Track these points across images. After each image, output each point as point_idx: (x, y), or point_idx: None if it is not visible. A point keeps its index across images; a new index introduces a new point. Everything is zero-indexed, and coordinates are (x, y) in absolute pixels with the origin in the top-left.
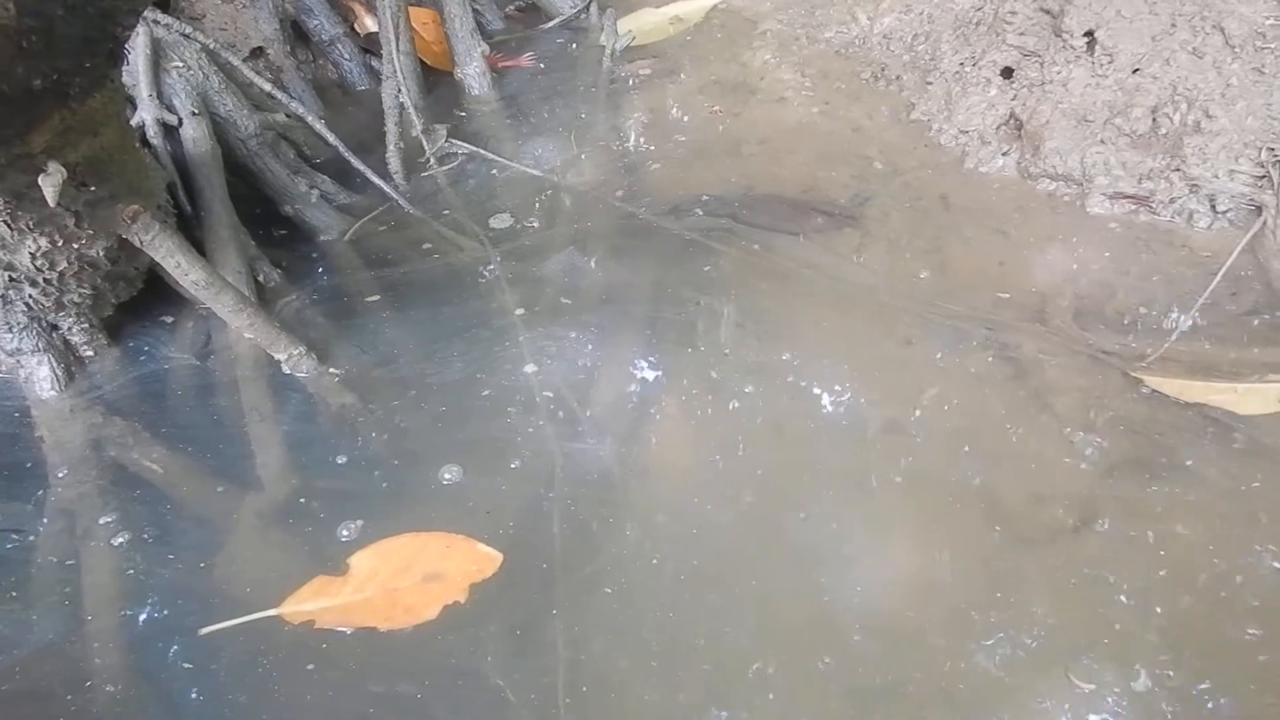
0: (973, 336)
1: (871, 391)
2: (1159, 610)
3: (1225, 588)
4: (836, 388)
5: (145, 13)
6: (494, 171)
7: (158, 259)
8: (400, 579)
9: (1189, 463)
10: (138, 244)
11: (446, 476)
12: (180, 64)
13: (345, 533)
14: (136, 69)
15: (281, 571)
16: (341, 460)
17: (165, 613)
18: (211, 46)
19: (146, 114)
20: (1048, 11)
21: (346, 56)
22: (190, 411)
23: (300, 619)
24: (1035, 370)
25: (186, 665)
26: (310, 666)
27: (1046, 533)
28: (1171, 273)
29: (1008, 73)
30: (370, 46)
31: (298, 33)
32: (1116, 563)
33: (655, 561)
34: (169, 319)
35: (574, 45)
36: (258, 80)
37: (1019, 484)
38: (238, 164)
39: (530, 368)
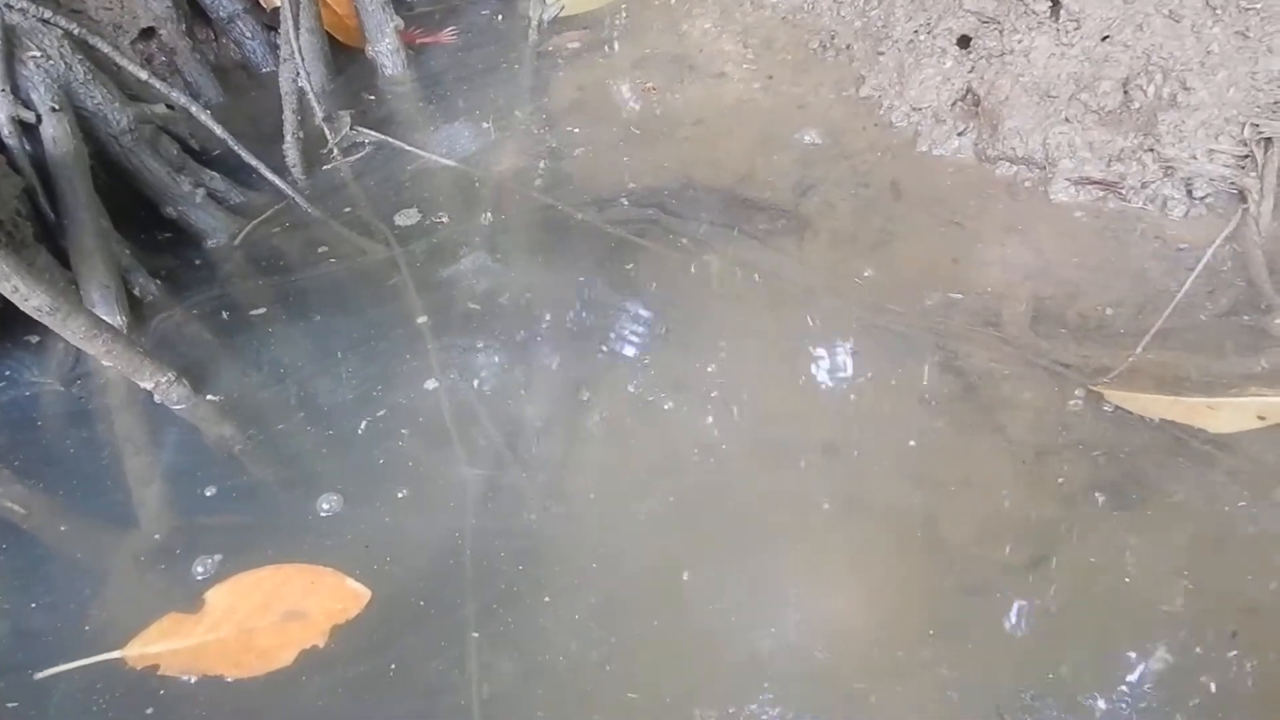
0: (919, 346)
1: (805, 409)
2: (1121, 659)
3: (1196, 630)
4: (767, 405)
5: None
6: (404, 162)
7: None
8: (258, 617)
9: (1156, 489)
10: None
11: (324, 507)
12: (38, 53)
13: (201, 569)
14: None
15: (133, 611)
16: (210, 492)
17: (13, 651)
18: (76, 32)
19: None
20: None
21: (249, 35)
22: (50, 443)
23: (145, 662)
24: (986, 385)
25: (11, 704)
26: (150, 711)
27: (996, 568)
28: (1142, 268)
29: (964, 42)
30: (276, 23)
31: (195, 10)
32: (1073, 602)
33: (548, 599)
34: (34, 339)
35: (500, 17)
36: (132, 67)
37: (965, 514)
38: (111, 163)
39: (431, 384)
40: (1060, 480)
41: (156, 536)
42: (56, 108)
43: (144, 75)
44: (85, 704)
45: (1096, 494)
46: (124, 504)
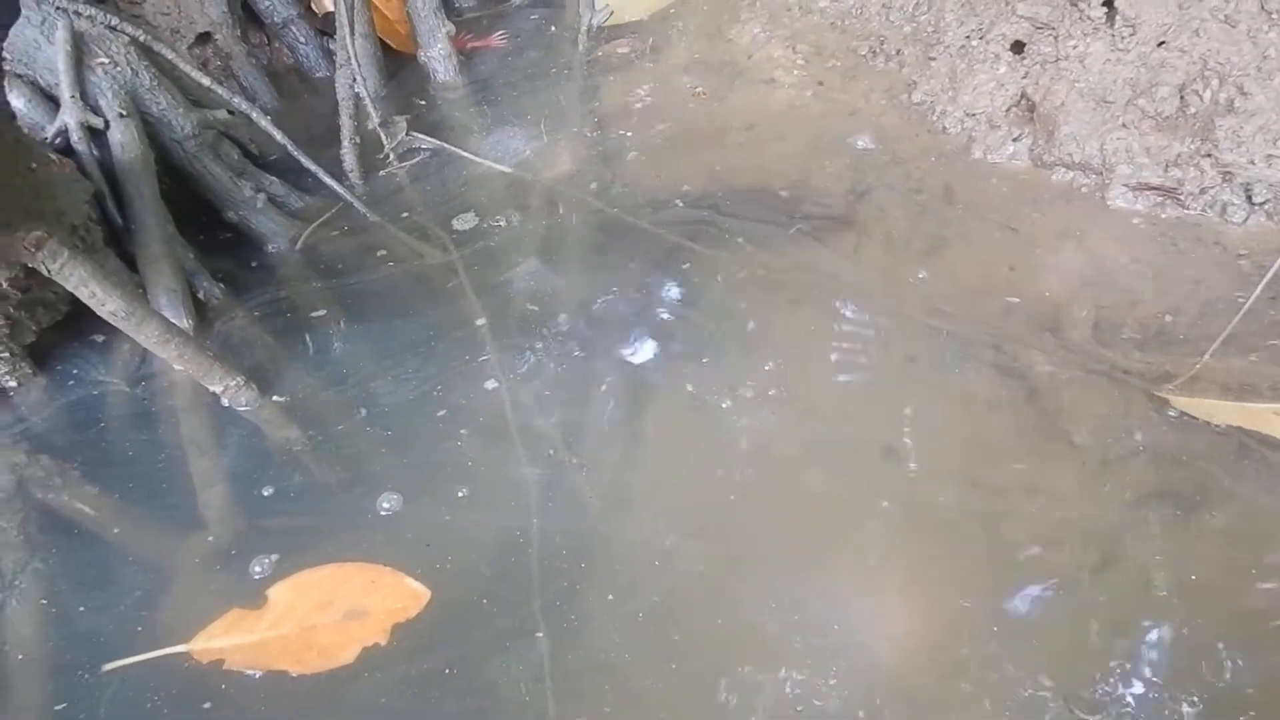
0: (979, 351)
1: (865, 413)
2: (1188, 658)
3: (1263, 631)
4: (827, 408)
5: (66, 4)
6: (459, 167)
7: (69, 288)
8: (319, 615)
9: (1223, 496)
10: (46, 273)
11: (385, 506)
12: (106, 60)
13: (259, 569)
14: (57, 67)
15: (197, 610)
16: (272, 492)
17: (69, 650)
18: (142, 38)
19: (69, 117)
20: None
21: (302, 40)
22: (116, 443)
23: (210, 656)
24: (1048, 391)
25: (73, 698)
26: (207, 705)
27: (1061, 575)
28: (1202, 275)
29: (1018, 47)
30: (328, 28)
31: (249, 15)
32: (1141, 610)
33: (611, 598)
34: (100, 338)
35: (549, 23)
36: (195, 74)
37: (1030, 521)
38: (175, 167)
39: (491, 384)
40: (1125, 484)
41: (220, 537)
42: (124, 114)
43: (207, 81)
44: (147, 697)
45: (1162, 498)
46: (189, 504)
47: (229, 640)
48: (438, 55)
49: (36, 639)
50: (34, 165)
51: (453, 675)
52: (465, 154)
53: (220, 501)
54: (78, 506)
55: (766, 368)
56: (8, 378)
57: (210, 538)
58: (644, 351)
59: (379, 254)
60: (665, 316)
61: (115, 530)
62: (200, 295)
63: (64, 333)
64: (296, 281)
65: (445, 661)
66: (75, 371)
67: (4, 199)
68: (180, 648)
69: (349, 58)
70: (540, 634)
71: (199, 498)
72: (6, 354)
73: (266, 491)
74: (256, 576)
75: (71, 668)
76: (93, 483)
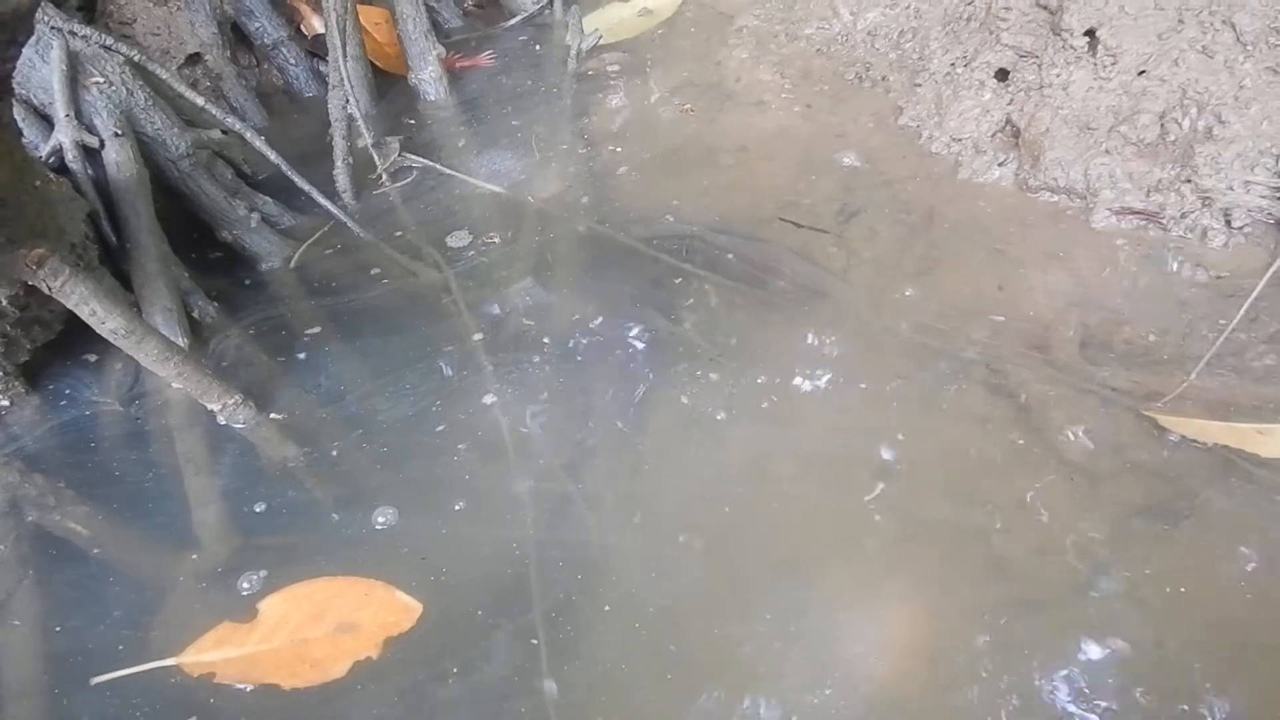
0: (969, 370)
1: (857, 429)
2: (1177, 672)
3: (1252, 649)
4: (819, 423)
5: (61, 24)
6: (451, 186)
7: (70, 306)
8: (311, 628)
9: (1208, 512)
10: (46, 291)
11: (380, 520)
12: (101, 79)
13: (247, 585)
14: (52, 87)
15: (185, 626)
16: (267, 509)
17: (56, 666)
18: (137, 59)
19: (64, 136)
20: (1045, 7)
21: (292, 61)
22: (108, 463)
23: (201, 670)
24: (1038, 409)
25: (62, 713)
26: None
27: (1052, 590)
28: (1184, 296)
29: (1003, 75)
30: (317, 49)
31: (239, 36)
32: (1129, 623)
33: (607, 609)
34: (93, 357)
35: (536, 44)
36: (189, 94)
37: (1021, 537)
38: (169, 187)
39: (488, 399)
40: (1114, 501)
41: (211, 553)
42: (119, 133)
43: (200, 101)
44: (135, 712)
45: (1150, 514)
46: (182, 521)
47: (220, 654)
48: (428, 77)
49: (24, 656)
50: (37, 183)
51: (446, 687)
52: (456, 174)
53: (213, 518)
54: (70, 525)
55: (759, 381)
56: (1, 396)
57: (201, 554)
58: (638, 366)
59: (373, 272)
60: (658, 332)
61: (107, 548)
62: (195, 314)
63: (57, 352)
64: (291, 300)
65: (438, 674)
66: (68, 391)
67: (12, 213)
68: (170, 661)
69: (342, 79)
70: (535, 641)
71: (192, 515)
72: (0, 372)
73: (259, 508)
74: (244, 593)
75: (58, 683)
76: (86, 501)
